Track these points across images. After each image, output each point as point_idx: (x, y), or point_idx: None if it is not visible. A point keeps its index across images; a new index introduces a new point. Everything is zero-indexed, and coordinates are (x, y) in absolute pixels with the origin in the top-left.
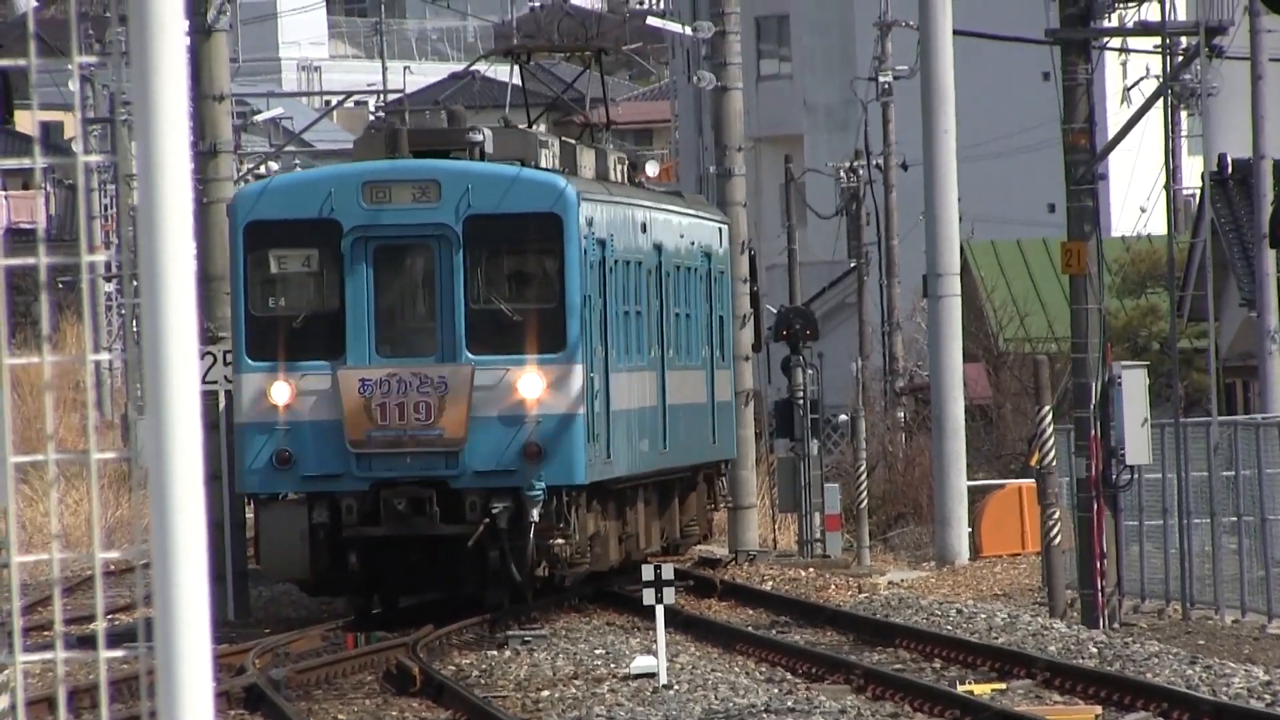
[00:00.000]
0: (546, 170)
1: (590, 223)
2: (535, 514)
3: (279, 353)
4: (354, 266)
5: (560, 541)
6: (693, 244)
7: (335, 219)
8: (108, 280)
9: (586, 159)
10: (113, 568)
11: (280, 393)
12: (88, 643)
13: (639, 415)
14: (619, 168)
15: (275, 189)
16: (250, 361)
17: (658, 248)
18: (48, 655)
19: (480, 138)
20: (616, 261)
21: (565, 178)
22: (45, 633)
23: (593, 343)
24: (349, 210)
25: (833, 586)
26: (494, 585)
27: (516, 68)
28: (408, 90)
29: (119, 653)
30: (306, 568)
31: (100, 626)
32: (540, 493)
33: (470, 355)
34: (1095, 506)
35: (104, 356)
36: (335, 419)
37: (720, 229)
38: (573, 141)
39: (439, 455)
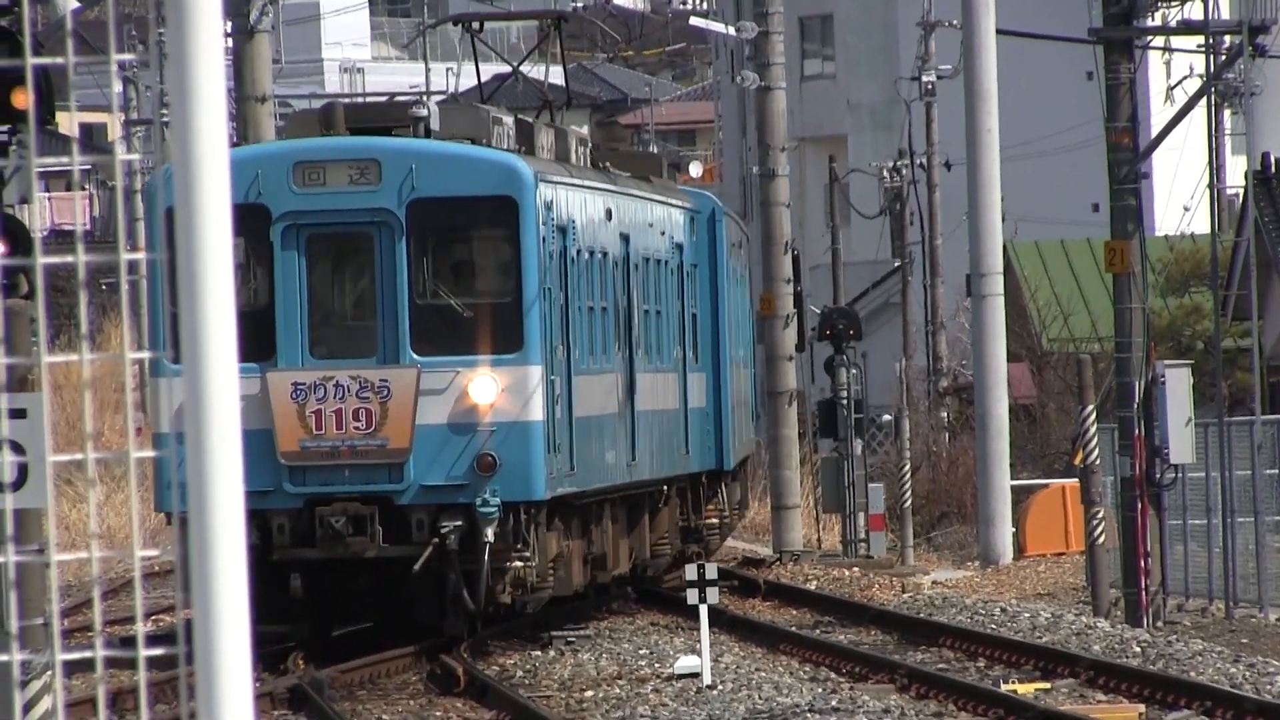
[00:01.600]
0: (500, 150)
1: (550, 206)
2: (489, 533)
3: None
4: (284, 257)
5: (519, 564)
6: (663, 233)
7: (262, 204)
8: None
9: (545, 138)
10: (155, 568)
11: None
12: (129, 644)
13: (604, 423)
14: (580, 150)
15: None
16: (169, 364)
17: (625, 237)
18: (88, 654)
19: (425, 113)
20: (579, 251)
21: (522, 157)
22: (87, 634)
23: (553, 342)
24: (278, 194)
25: (876, 586)
26: (452, 612)
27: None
28: (448, 91)
29: (159, 651)
30: None
31: (140, 628)
32: (495, 510)
33: (415, 356)
34: (1139, 505)
35: (143, 355)
36: (265, 428)
37: (693, 217)
38: (529, 120)
39: (381, 468)
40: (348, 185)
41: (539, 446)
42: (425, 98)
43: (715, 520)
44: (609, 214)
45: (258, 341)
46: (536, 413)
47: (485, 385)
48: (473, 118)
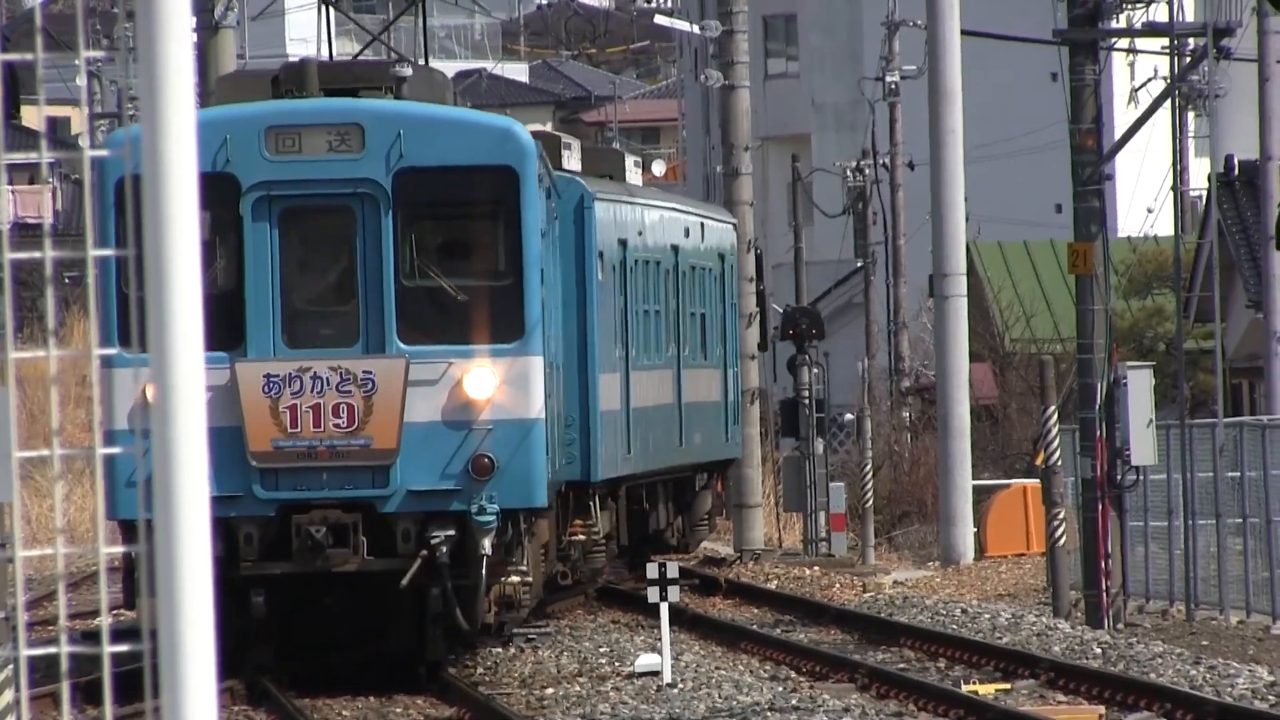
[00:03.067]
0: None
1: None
2: (486, 545)
3: None
4: (255, 233)
5: (515, 580)
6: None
7: (231, 173)
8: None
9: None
10: (116, 564)
11: None
12: (92, 638)
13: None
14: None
15: None
16: (124, 354)
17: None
18: (51, 650)
19: (408, 73)
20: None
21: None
22: (50, 628)
23: (549, 329)
24: (249, 162)
25: (837, 585)
26: (434, 633)
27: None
28: None
29: (123, 647)
30: None
31: (105, 621)
32: (493, 519)
33: (403, 345)
34: (1100, 507)
35: (110, 351)
36: (233, 425)
37: (585, 210)
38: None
39: (364, 471)
40: (326, 153)
41: (540, 447)
42: (402, 61)
43: (583, 537)
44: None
45: (226, 328)
46: (538, 409)
47: (482, 378)
48: (435, 85)
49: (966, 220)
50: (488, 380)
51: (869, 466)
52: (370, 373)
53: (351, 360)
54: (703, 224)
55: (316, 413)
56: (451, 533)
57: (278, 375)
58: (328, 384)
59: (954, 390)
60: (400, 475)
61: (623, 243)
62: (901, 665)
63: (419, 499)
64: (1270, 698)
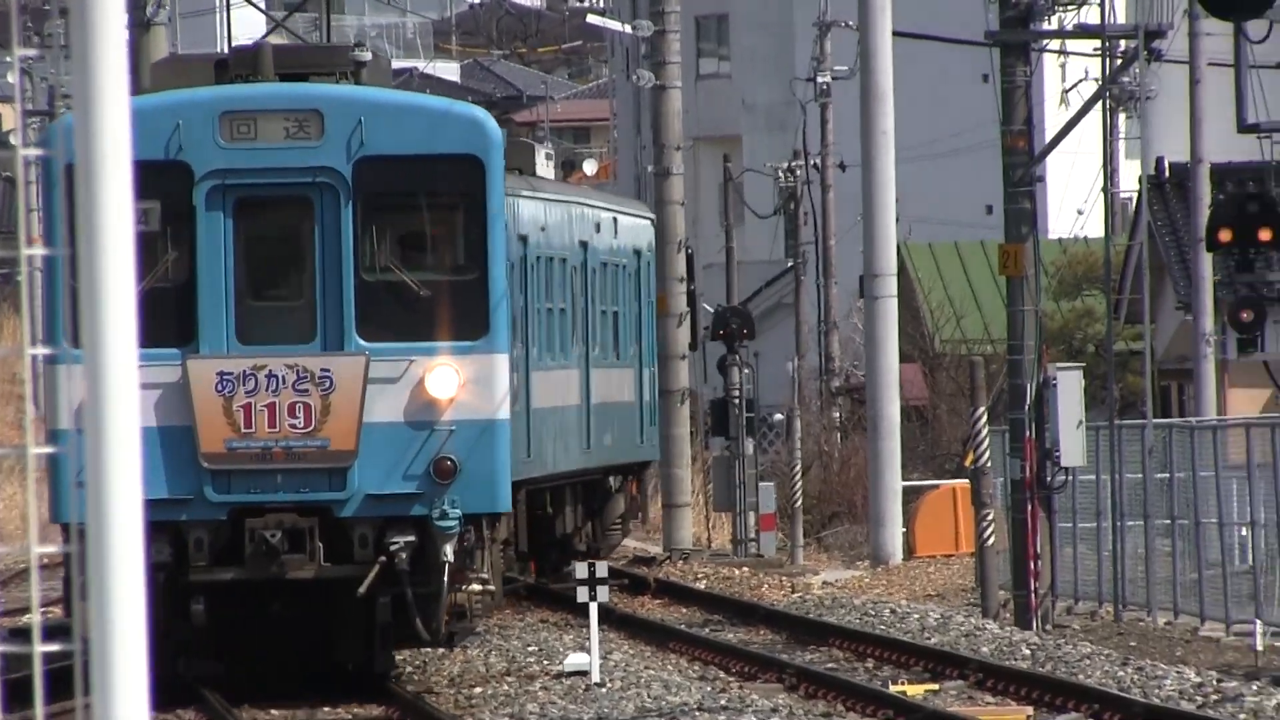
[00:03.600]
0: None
1: None
2: (449, 551)
3: None
4: (208, 223)
5: (476, 589)
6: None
7: (183, 160)
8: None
9: None
10: (46, 561)
11: None
12: (21, 635)
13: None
14: None
15: None
16: (71, 350)
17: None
18: None
19: (367, 57)
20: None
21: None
22: None
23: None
24: (202, 149)
25: (766, 585)
26: (382, 645)
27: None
28: None
29: (54, 646)
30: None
31: (36, 619)
32: (455, 524)
33: (363, 342)
34: (1029, 508)
35: (42, 350)
36: (184, 425)
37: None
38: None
39: (321, 474)
40: (284, 140)
41: (505, 449)
42: (360, 46)
43: None
44: None
45: (177, 323)
46: (503, 410)
47: (445, 377)
48: (382, 71)
49: (897, 221)
50: (450, 379)
51: (798, 467)
52: (328, 371)
53: (309, 358)
54: (615, 219)
55: (272, 412)
56: (411, 538)
57: (231, 373)
58: (284, 382)
59: (884, 391)
60: (359, 478)
61: (523, 239)
62: (830, 665)
63: (378, 503)
64: (1197, 699)
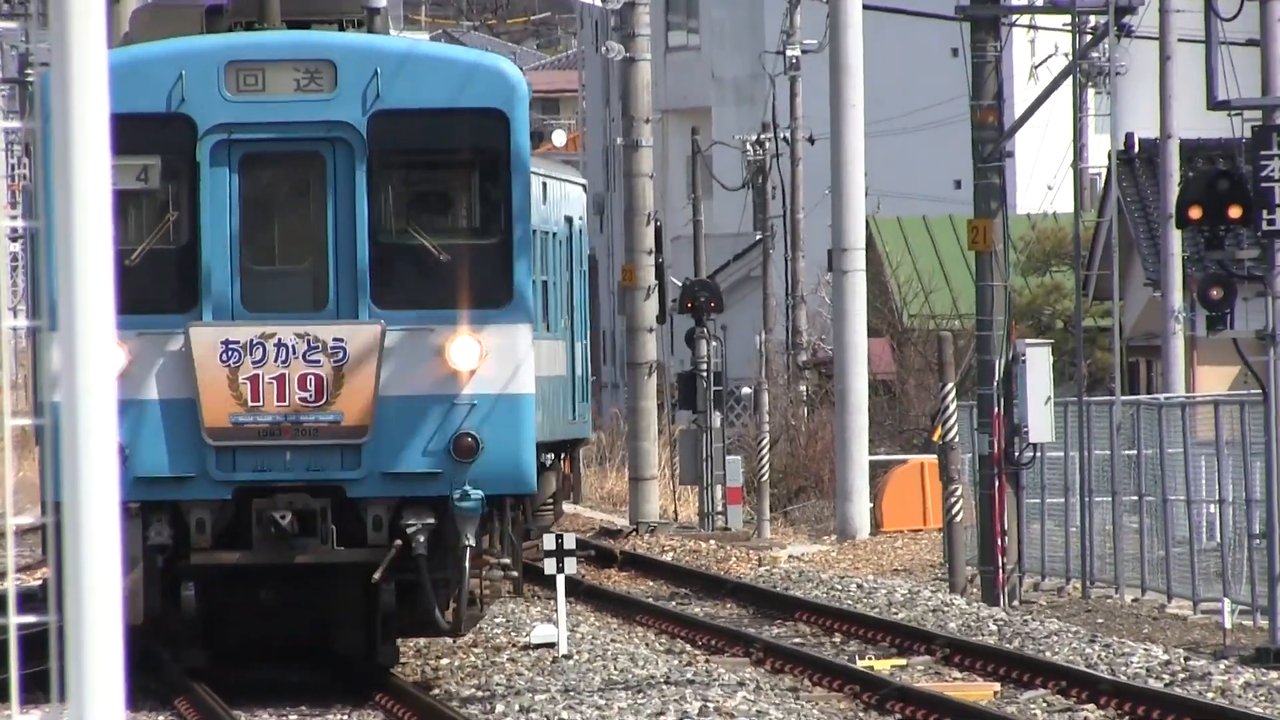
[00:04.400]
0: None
1: None
2: (469, 535)
3: None
4: (213, 181)
5: (498, 574)
6: None
7: (186, 114)
8: (13, 241)
9: None
10: (20, 529)
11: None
12: None
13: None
14: None
15: None
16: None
17: None
18: None
19: (382, 3)
20: None
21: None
22: None
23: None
24: (206, 102)
25: (733, 559)
26: (385, 635)
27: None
28: None
29: (30, 618)
30: (139, 607)
31: (10, 587)
32: (477, 505)
33: (378, 309)
34: (997, 484)
35: (19, 323)
36: (186, 398)
37: None
38: None
39: (333, 450)
40: (294, 92)
41: (530, 426)
42: None
43: None
44: None
45: (179, 288)
46: (528, 383)
47: (466, 347)
48: (386, 21)
49: (866, 195)
50: (471, 350)
51: (766, 440)
52: (341, 340)
53: (320, 326)
54: (545, 184)
55: (280, 384)
56: (430, 521)
57: (237, 342)
58: (293, 352)
59: (851, 365)
60: (373, 455)
61: None
62: (797, 640)
63: (394, 482)
64: (1164, 676)
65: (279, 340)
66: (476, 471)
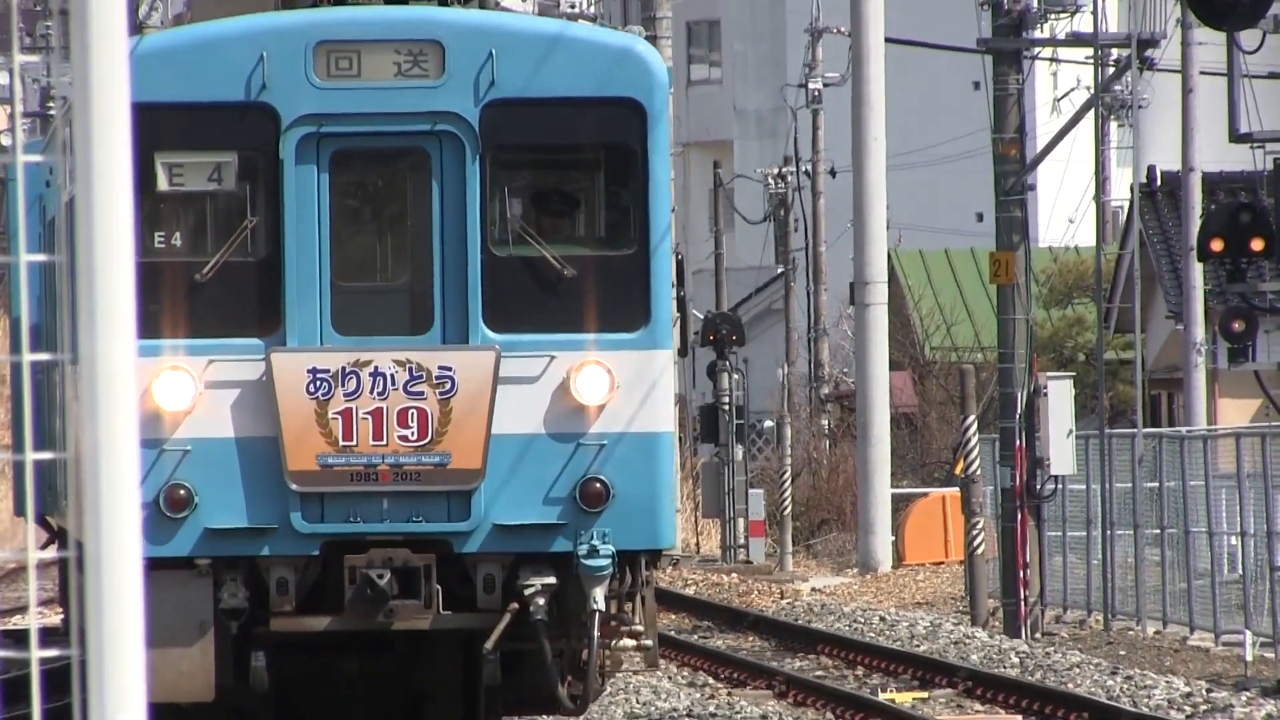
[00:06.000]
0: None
1: None
2: (599, 598)
3: (171, 326)
4: (299, 182)
5: (629, 644)
6: None
7: (267, 103)
8: None
9: None
10: (39, 562)
11: (172, 391)
12: (14, 638)
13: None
14: None
15: (161, 50)
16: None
17: None
18: None
19: None
20: None
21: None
22: None
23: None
24: (292, 89)
25: (755, 592)
26: (489, 714)
27: None
28: None
29: (52, 652)
30: (209, 681)
31: (32, 621)
32: (607, 563)
33: (492, 333)
34: (1019, 516)
35: (43, 356)
36: (266, 436)
37: None
38: None
39: (438, 498)
40: (394, 77)
41: (669, 469)
42: None
43: None
44: None
45: (258, 308)
46: (667, 419)
47: (595, 378)
48: None
49: (888, 228)
50: (602, 380)
51: (788, 473)
52: (449, 368)
53: (424, 352)
54: None
55: (377, 420)
56: (551, 580)
57: (326, 370)
58: (392, 382)
59: (874, 398)
60: (486, 504)
61: None
62: (819, 673)
63: (509, 536)
64: (1186, 709)
65: (375, 368)
66: (606, 523)
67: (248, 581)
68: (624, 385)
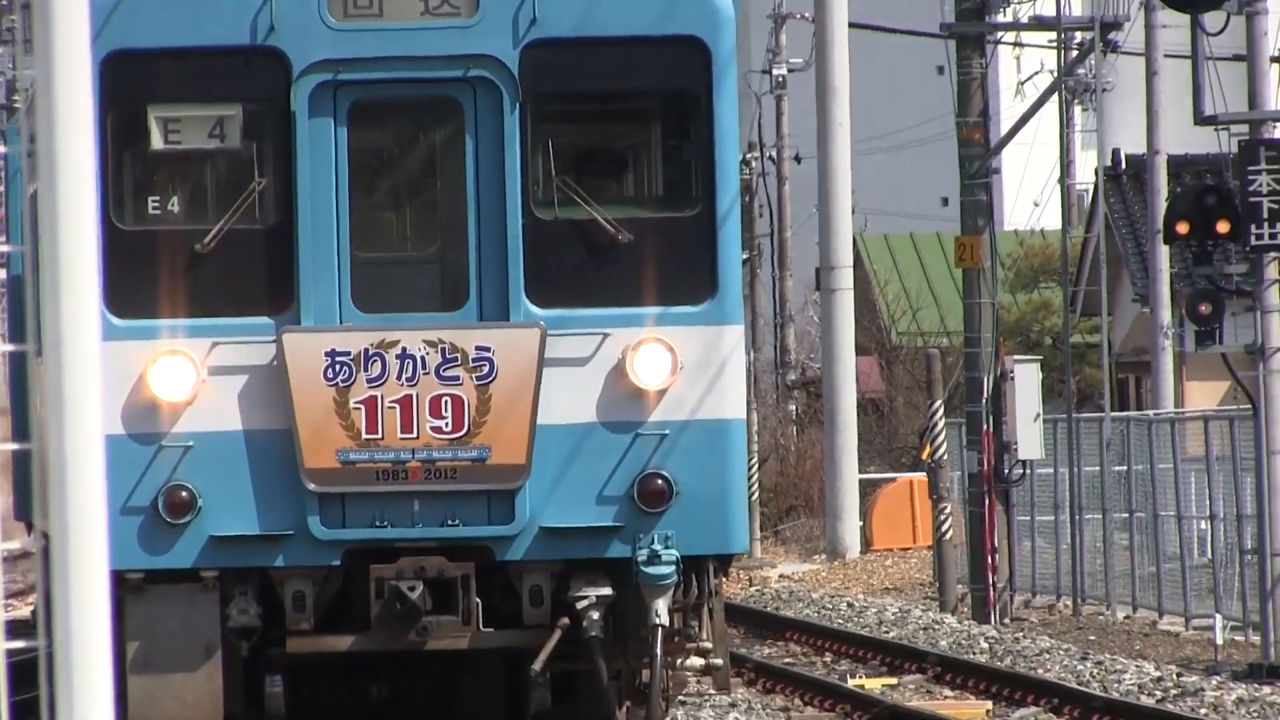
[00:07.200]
0: None
1: None
2: (661, 611)
3: (168, 304)
4: (314, 139)
5: (697, 664)
6: None
7: (277, 47)
8: None
9: None
10: (7, 554)
11: (170, 379)
12: None
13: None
14: None
15: None
16: (114, 320)
17: None
18: None
19: None
20: None
21: None
22: None
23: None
24: (304, 31)
25: None
26: None
27: None
28: None
29: (18, 644)
30: (217, 711)
31: (0, 618)
32: (671, 571)
33: (535, 308)
34: (987, 501)
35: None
36: (279, 428)
37: None
38: None
39: (477, 498)
40: (420, 16)
41: (740, 463)
42: None
43: None
44: None
45: (268, 282)
46: (737, 404)
47: (654, 358)
48: None
49: (853, 213)
50: (663, 361)
51: (755, 460)
52: (487, 349)
53: (459, 330)
54: None
55: (406, 410)
56: (606, 591)
57: (347, 353)
58: (423, 366)
59: (840, 383)
60: (531, 505)
61: None
62: (788, 659)
63: (558, 540)
64: (1157, 693)
65: (403, 350)
66: (669, 524)
67: (260, 596)
68: (688, 366)
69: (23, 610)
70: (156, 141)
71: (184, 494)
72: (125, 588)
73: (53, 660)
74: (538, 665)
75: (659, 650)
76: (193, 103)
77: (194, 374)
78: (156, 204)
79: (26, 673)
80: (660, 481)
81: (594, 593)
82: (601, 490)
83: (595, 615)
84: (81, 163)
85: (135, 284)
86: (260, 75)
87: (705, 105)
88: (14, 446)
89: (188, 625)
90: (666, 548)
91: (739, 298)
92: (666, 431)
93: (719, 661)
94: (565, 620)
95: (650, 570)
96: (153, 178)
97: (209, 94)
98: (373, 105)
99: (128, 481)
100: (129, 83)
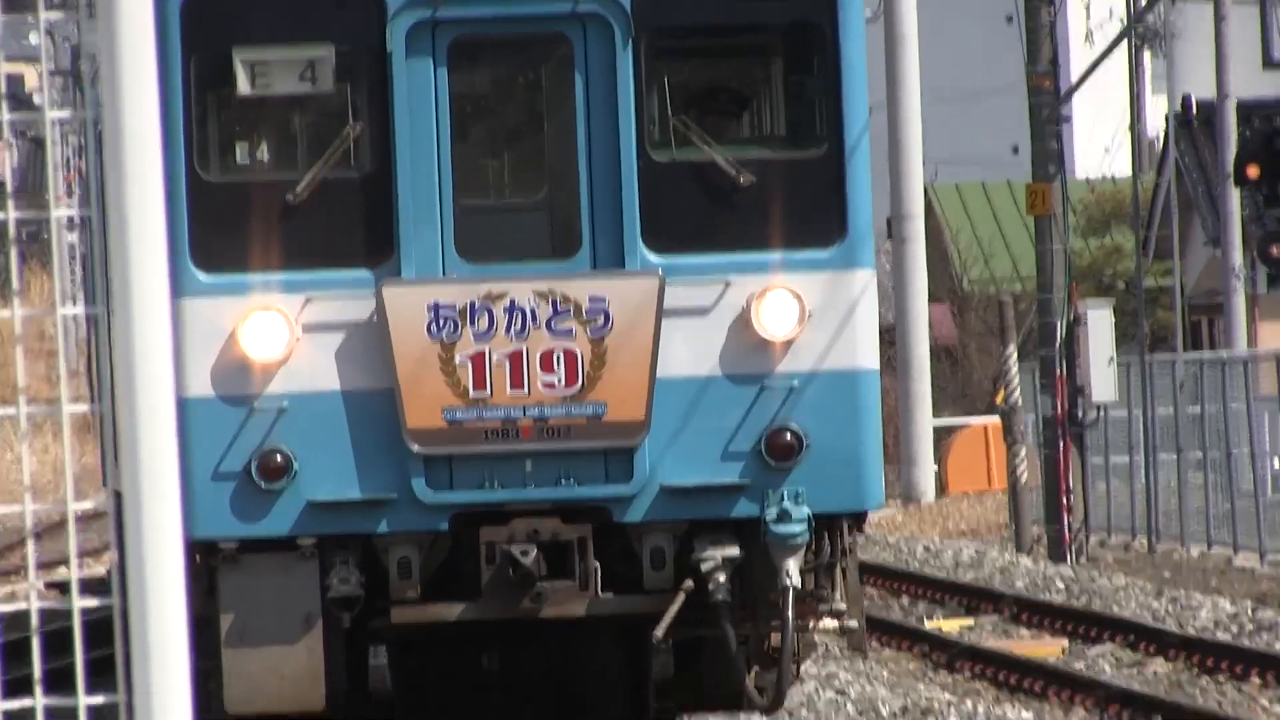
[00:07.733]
0: None
1: None
2: (792, 571)
3: (259, 258)
4: (412, 81)
5: (831, 626)
6: None
7: None
8: (70, 230)
9: None
10: (79, 513)
11: (263, 337)
12: (57, 588)
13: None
14: None
15: None
16: (199, 275)
17: None
18: (22, 606)
19: None
20: None
21: None
22: (11, 578)
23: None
24: None
25: None
26: (661, 713)
27: None
28: None
29: (93, 601)
30: (319, 686)
31: (73, 572)
32: (802, 529)
33: (653, 255)
34: (1061, 444)
35: (75, 310)
36: (380, 387)
37: None
38: None
39: (594, 457)
40: None
41: (874, 416)
42: None
43: None
44: None
45: (366, 233)
46: (870, 354)
47: (781, 306)
48: None
49: (923, 163)
50: (790, 309)
51: None
52: (601, 299)
53: (571, 280)
54: None
55: (516, 365)
56: (733, 552)
57: (451, 306)
58: (533, 319)
59: (913, 331)
60: (651, 463)
61: None
62: (865, 603)
63: (681, 500)
64: (1233, 629)
65: (512, 302)
66: (799, 480)
67: (362, 564)
68: (817, 314)
69: (97, 569)
70: (243, 86)
71: (279, 458)
72: (218, 558)
73: (127, 618)
74: (660, 631)
75: (790, 614)
76: (281, 44)
77: (287, 331)
78: (245, 153)
79: (104, 630)
80: (789, 435)
81: (720, 554)
82: (726, 446)
83: (721, 578)
84: (146, 111)
85: (223, 238)
86: (353, 14)
87: (831, 39)
88: (84, 408)
89: (285, 596)
90: (797, 505)
91: (869, 240)
92: (795, 383)
93: (854, 624)
94: (689, 584)
95: (780, 529)
96: (239, 126)
97: (298, 35)
98: (474, 43)
99: (218, 446)
100: (212, 26)
